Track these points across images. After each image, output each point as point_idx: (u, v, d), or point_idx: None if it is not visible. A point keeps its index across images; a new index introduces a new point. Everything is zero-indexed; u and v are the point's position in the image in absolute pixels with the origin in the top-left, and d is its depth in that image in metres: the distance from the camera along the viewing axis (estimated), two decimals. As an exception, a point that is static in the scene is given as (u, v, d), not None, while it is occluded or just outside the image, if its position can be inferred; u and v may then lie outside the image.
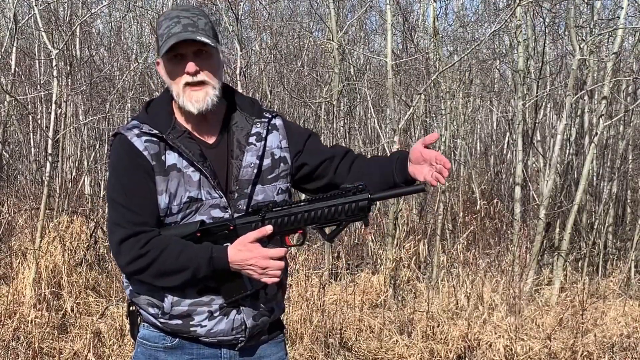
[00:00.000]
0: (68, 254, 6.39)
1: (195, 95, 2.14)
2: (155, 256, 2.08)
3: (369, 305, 6.19)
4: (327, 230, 2.18)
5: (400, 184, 2.21)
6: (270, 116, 2.29)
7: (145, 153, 2.13)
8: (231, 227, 2.14)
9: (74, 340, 5.14)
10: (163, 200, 2.12)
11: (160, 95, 2.29)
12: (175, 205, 2.13)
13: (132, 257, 2.09)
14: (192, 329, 2.16)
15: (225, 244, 2.12)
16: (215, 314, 2.16)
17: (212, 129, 2.23)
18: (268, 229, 2.11)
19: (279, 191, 2.27)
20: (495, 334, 5.34)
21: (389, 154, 2.34)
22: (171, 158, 2.14)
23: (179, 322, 2.16)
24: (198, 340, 2.19)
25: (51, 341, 5.09)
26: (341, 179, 2.28)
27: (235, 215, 2.17)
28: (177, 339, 2.20)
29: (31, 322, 5.23)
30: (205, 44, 2.12)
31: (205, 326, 2.16)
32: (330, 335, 5.24)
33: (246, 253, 2.09)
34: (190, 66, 2.12)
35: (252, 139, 2.22)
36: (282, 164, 2.27)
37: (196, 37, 2.09)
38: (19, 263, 6.23)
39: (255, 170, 2.20)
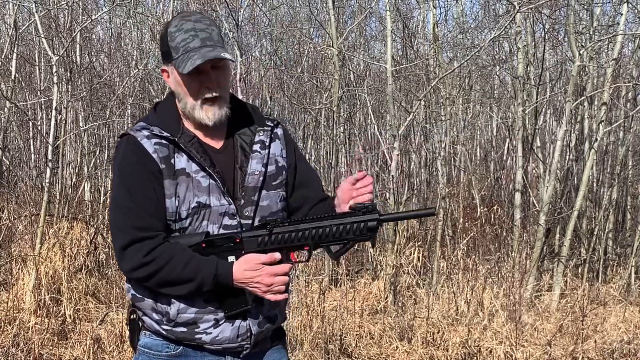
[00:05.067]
0: (68, 260, 6.39)
1: (211, 110, 2.15)
2: (160, 266, 2.06)
3: (369, 311, 6.18)
4: (333, 249, 2.15)
5: None
6: (272, 124, 2.29)
7: (155, 156, 2.10)
8: (237, 240, 2.12)
9: (74, 346, 5.14)
10: (172, 204, 2.10)
11: (167, 98, 2.28)
12: (184, 210, 2.11)
13: (135, 264, 2.07)
14: (197, 336, 2.14)
15: (230, 259, 2.10)
16: (220, 322, 2.14)
17: (218, 134, 2.22)
18: (277, 256, 2.10)
19: (281, 198, 2.27)
20: (496, 340, 5.34)
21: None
22: (180, 162, 2.12)
23: (184, 329, 2.14)
24: (202, 348, 2.17)
25: (51, 347, 5.08)
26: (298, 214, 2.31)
27: (242, 222, 2.16)
28: (181, 347, 2.17)
29: (31, 328, 5.22)
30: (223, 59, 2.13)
31: (211, 334, 2.14)
32: (330, 341, 5.23)
33: (251, 272, 2.08)
34: (212, 83, 2.13)
35: (256, 147, 2.22)
36: (283, 172, 2.28)
37: (220, 54, 2.09)
38: (18, 269, 6.23)
39: (261, 178, 2.20)
